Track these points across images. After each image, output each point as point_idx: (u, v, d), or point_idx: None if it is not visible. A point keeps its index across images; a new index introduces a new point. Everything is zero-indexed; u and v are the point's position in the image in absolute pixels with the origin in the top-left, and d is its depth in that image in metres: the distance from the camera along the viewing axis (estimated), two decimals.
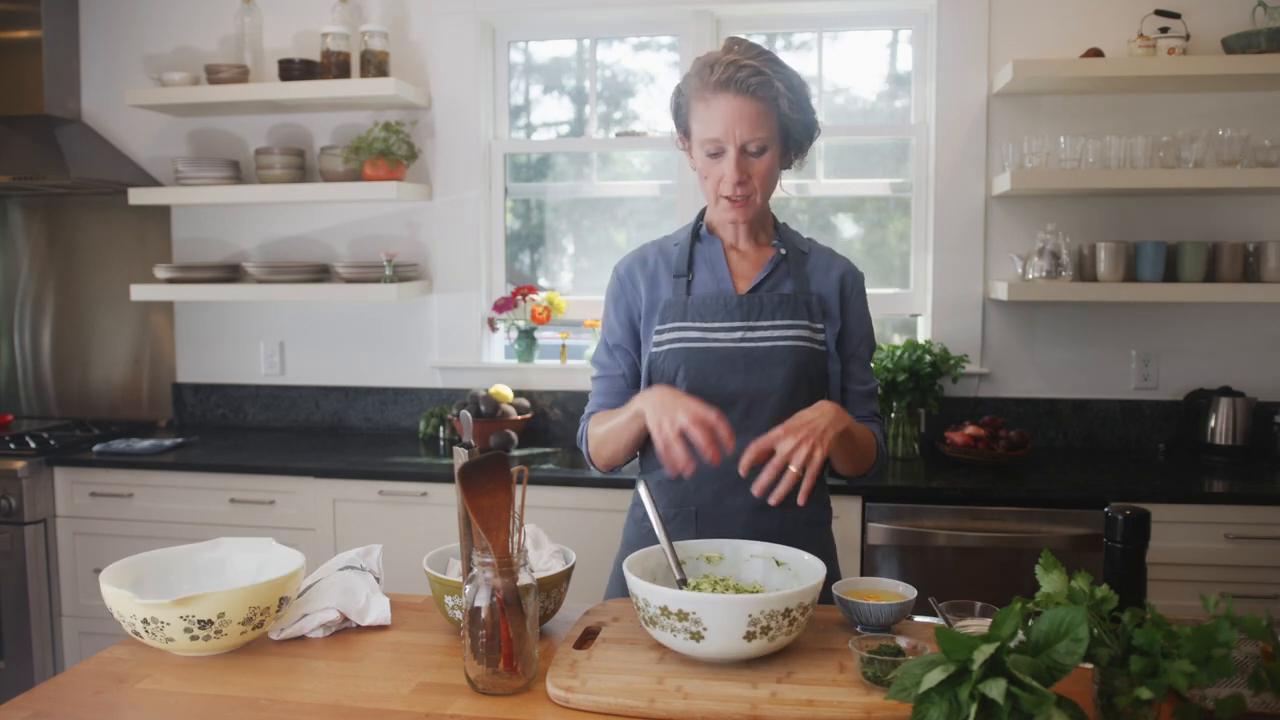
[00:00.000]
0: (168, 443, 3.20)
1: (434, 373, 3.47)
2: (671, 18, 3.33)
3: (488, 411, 3.16)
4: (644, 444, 1.67)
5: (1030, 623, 1.03)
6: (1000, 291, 3.00)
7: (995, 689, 0.95)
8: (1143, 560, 1.33)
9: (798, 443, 1.46)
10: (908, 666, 1.03)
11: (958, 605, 1.37)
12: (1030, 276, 2.99)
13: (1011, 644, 1.02)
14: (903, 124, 3.35)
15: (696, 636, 1.24)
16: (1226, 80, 2.86)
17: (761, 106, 1.57)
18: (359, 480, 2.91)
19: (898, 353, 3.02)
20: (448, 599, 1.42)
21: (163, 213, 3.57)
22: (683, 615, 1.24)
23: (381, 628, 1.49)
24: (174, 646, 1.35)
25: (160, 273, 3.34)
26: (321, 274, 3.38)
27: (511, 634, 1.24)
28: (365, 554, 1.61)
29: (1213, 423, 2.97)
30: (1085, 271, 3.04)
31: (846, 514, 2.64)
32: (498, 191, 3.49)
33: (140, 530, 3.01)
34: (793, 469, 1.45)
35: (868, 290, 1.79)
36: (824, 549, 1.72)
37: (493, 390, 3.27)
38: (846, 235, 3.46)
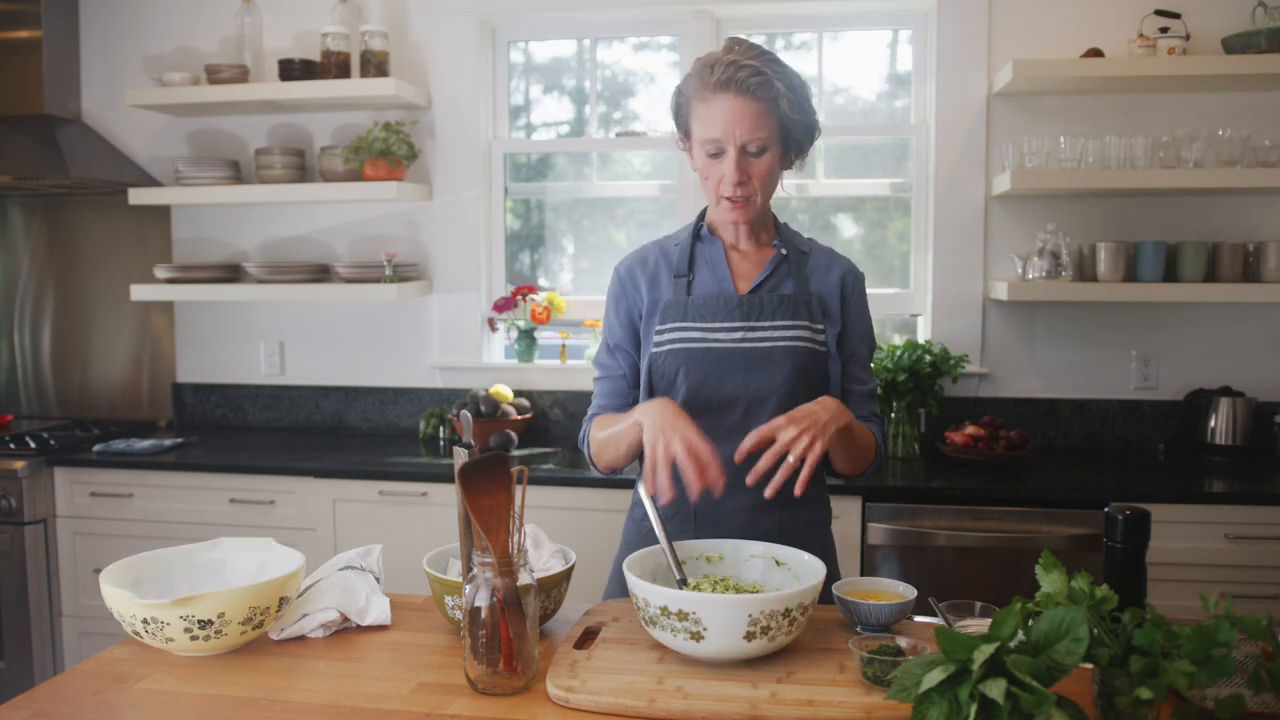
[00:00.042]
0: (168, 443, 3.20)
1: (434, 373, 3.47)
2: (671, 18, 3.33)
3: (488, 411, 3.16)
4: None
5: (1030, 623, 1.03)
6: (1000, 291, 3.00)
7: (995, 689, 0.95)
8: (1143, 560, 1.33)
9: (799, 432, 1.46)
10: (908, 666, 1.03)
11: (958, 605, 1.37)
12: (1030, 276, 2.99)
13: (1011, 644, 1.02)
14: (903, 124, 3.35)
15: (696, 636, 1.24)
16: (1226, 80, 2.86)
17: (762, 107, 1.57)
18: (359, 480, 2.91)
19: (898, 353, 3.02)
20: (448, 599, 1.42)
21: (163, 213, 3.57)
22: (683, 615, 1.24)
23: (381, 628, 1.49)
24: (174, 646, 1.35)
25: (160, 273, 3.34)
26: (321, 274, 3.38)
27: (511, 634, 1.24)
28: (365, 554, 1.61)
29: (1213, 423, 2.97)
30: (1085, 271, 3.04)
31: (846, 514, 2.64)
32: (498, 191, 3.49)
33: (140, 530, 3.01)
34: (790, 459, 1.45)
35: (868, 290, 1.79)
36: (824, 549, 1.72)
37: (493, 390, 3.27)
38: (846, 235, 3.46)
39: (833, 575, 1.63)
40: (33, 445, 3.12)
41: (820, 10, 3.29)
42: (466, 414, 1.50)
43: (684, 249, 1.74)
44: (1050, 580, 1.13)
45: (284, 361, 3.57)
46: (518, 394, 3.36)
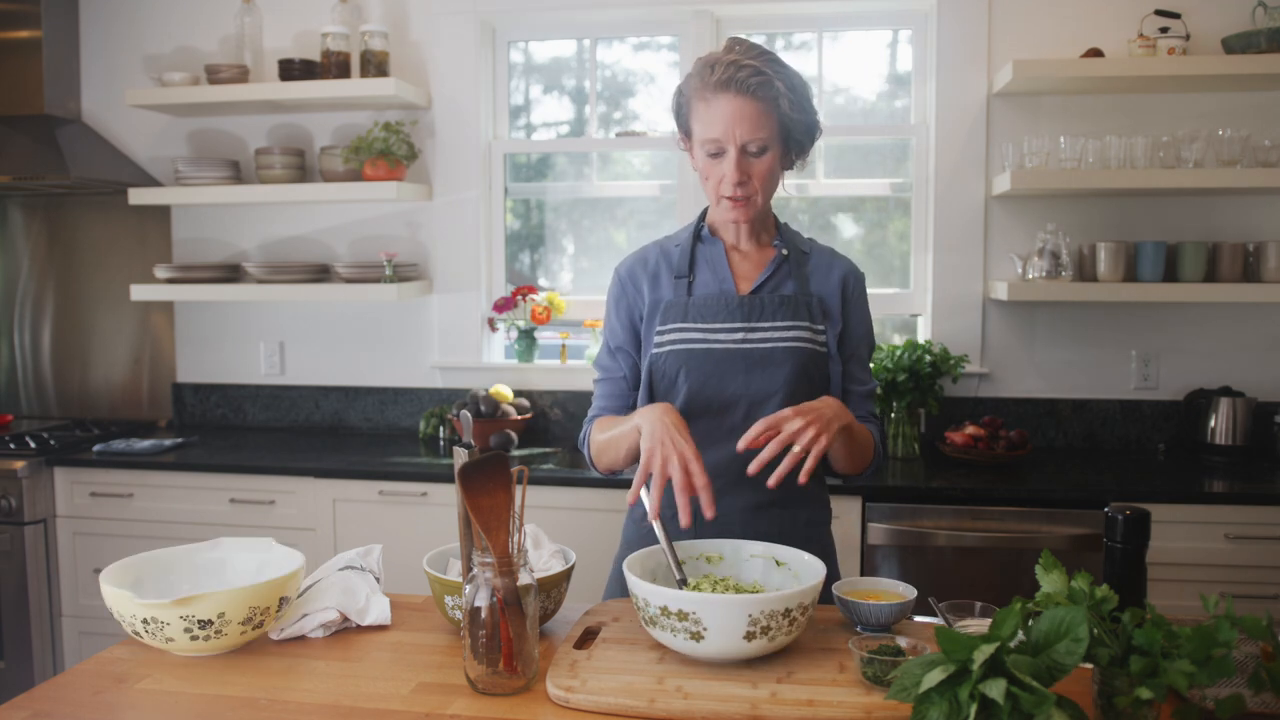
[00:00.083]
0: (168, 443, 3.20)
1: (434, 373, 3.47)
2: (671, 18, 3.33)
3: (488, 411, 3.16)
4: None
5: (1030, 623, 1.03)
6: (1000, 291, 3.00)
7: (995, 689, 0.95)
8: (1143, 560, 1.33)
9: (805, 424, 1.46)
10: (908, 666, 1.03)
11: (958, 605, 1.37)
12: (1030, 276, 2.99)
13: (1011, 644, 1.02)
14: (903, 124, 3.35)
15: (696, 636, 1.24)
16: (1226, 80, 2.86)
17: (762, 106, 1.57)
18: (359, 480, 2.91)
19: (898, 353, 3.02)
20: (448, 599, 1.42)
21: (163, 213, 3.57)
22: (683, 615, 1.24)
23: (381, 628, 1.49)
24: (174, 646, 1.35)
25: (160, 273, 3.34)
26: (321, 274, 3.38)
27: (511, 634, 1.24)
28: (365, 554, 1.61)
29: (1213, 423, 2.97)
30: (1085, 271, 3.04)
31: (846, 514, 2.64)
32: (498, 191, 3.49)
33: (140, 530, 3.01)
34: (796, 448, 1.45)
35: (868, 290, 1.79)
36: (824, 549, 1.72)
37: (493, 390, 3.27)
38: (846, 235, 3.46)
39: (833, 575, 1.63)
40: (33, 445, 3.12)
41: (820, 10, 3.29)
42: (466, 414, 1.50)
43: (684, 249, 1.74)
44: (1050, 580, 1.13)
45: (284, 361, 3.57)
46: (518, 394, 3.36)
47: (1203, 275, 2.92)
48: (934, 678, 0.98)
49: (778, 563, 1.45)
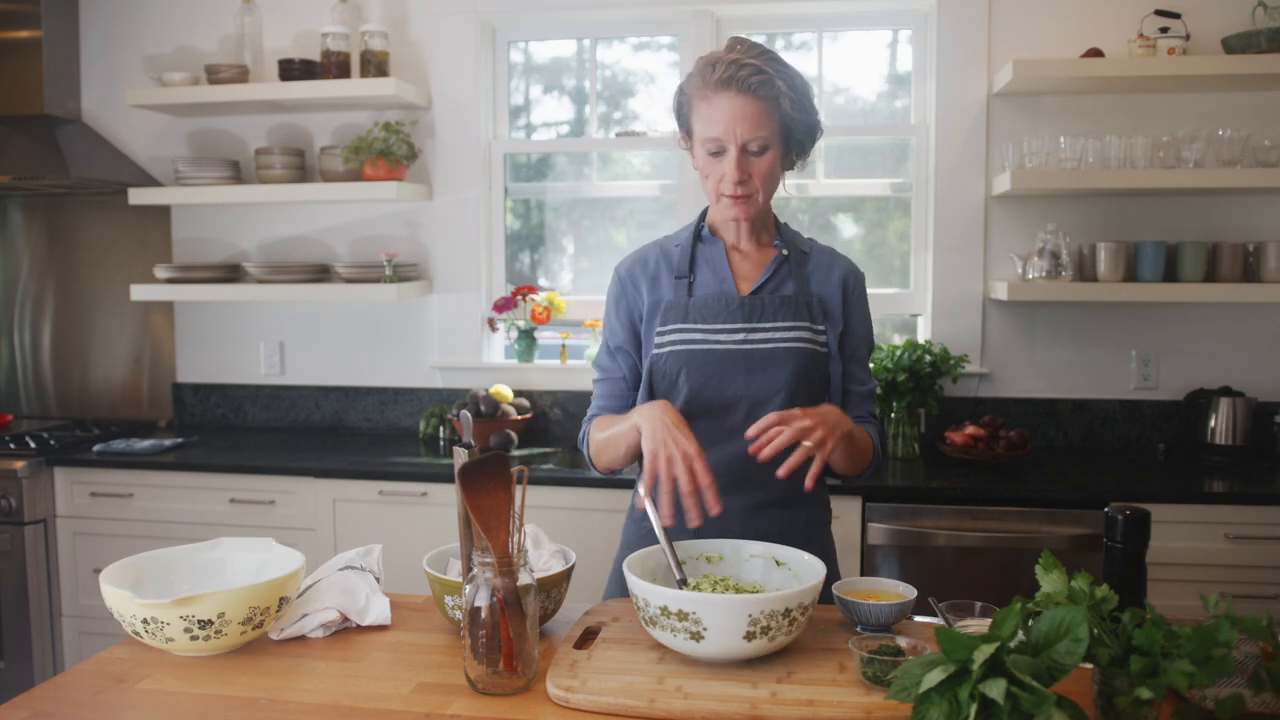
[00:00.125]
0: (168, 443, 3.20)
1: (434, 373, 3.47)
2: (671, 18, 3.33)
3: (488, 411, 3.16)
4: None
5: (1030, 623, 1.03)
6: (1000, 291, 3.00)
7: (995, 689, 0.95)
8: (1143, 560, 1.33)
9: (814, 424, 1.46)
10: (908, 666, 1.03)
11: (958, 605, 1.37)
12: (1030, 276, 2.99)
13: (1011, 644, 1.02)
14: (903, 124, 3.35)
15: (696, 636, 1.24)
16: (1226, 80, 2.86)
17: (763, 106, 1.57)
18: (359, 480, 2.91)
19: (898, 353, 3.02)
20: (448, 599, 1.42)
21: (163, 213, 3.57)
22: (683, 615, 1.24)
23: (381, 628, 1.49)
24: (174, 646, 1.35)
25: (160, 273, 3.34)
26: (321, 274, 3.38)
27: (511, 634, 1.24)
28: (365, 554, 1.61)
29: (1213, 423, 2.97)
30: (1085, 271, 3.04)
31: (846, 514, 2.64)
32: (498, 191, 3.49)
33: (140, 530, 3.01)
34: (807, 444, 1.45)
35: (868, 290, 1.79)
36: (824, 549, 1.72)
37: (493, 390, 3.27)
38: (846, 235, 3.46)
39: (833, 575, 1.63)
40: (33, 445, 3.12)
41: (820, 10, 3.29)
42: (466, 414, 1.50)
43: (685, 249, 1.74)
44: (1050, 580, 1.13)
45: (284, 361, 3.57)
46: (518, 394, 3.36)
47: (1203, 275, 2.92)
48: (934, 678, 0.98)
49: (778, 563, 1.45)
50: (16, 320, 3.72)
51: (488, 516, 1.27)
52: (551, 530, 1.84)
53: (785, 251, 1.72)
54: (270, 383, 3.58)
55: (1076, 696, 1.08)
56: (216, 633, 1.33)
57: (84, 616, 3.08)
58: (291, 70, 3.24)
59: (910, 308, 3.33)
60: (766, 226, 1.75)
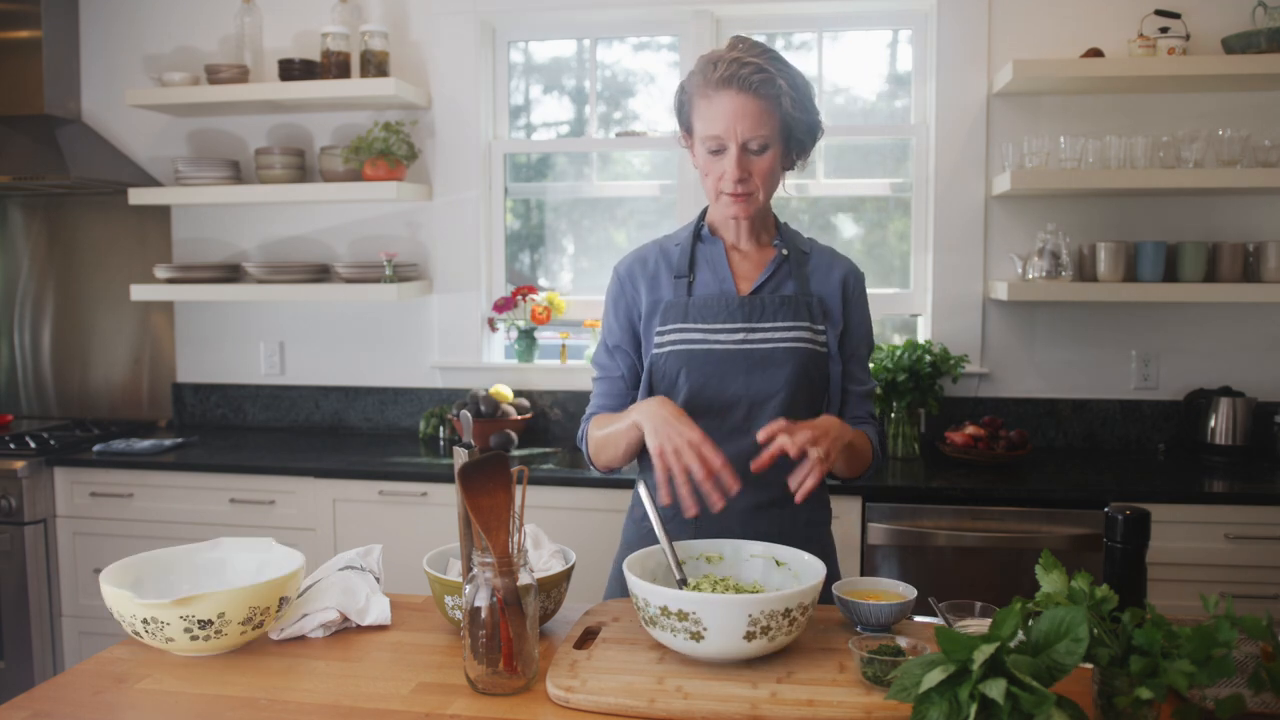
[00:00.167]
0: (168, 443, 3.20)
1: (434, 373, 3.47)
2: (671, 18, 3.33)
3: (488, 411, 3.16)
4: (642, 449, 1.67)
5: (1030, 623, 1.03)
6: (1000, 291, 3.00)
7: (995, 689, 0.95)
8: (1143, 560, 1.33)
9: (816, 437, 1.47)
10: (908, 666, 1.03)
11: (958, 605, 1.37)
12: (1030, 276, 2.99)
13: (1011, 644, 1.02)
14: (903, 124, 3.35)
15: (696, 636, 1.24)
16: (1226, 80, 2.86)
17: (764, 104, 1.57)
18: (359, 480, 2.91)
19: (898, 353, 3.02)
20: (448, 599, 1.42)
21: (163, 213, 3.57)
22: (683, 615, 1.24)
23: (381, 628, 1.49)
24: (174, 646, 1.35)
25: (160, 273, 3.34)
26: (321, 274, 3.38)
27: (511, 634, 1.24)
28: (365, 554, 1.61)
29: (1213, 423, 2.97)
30: (1085, 271, 3.04)
31: (846, 514, 2.64)
32: (498, 191, 3.49)
33: (140, 530, 3.01)
34: (815, 454, 1.46)
35: (868, 290, 1.79)
36: (824, 549, 1.72)
37: (493, 390, 3.27)
38: (846, 235, 3.46)
39: (833, 575, 1.63)
40: (33, 445, 3.12)
41: (820, 10, 3.29)
42: (466, 414, 1.50)
43: (684, 249, 1.74)
44: (1050, 580, 1.13)
45: (284, 361, 3.57)
46: (518, 394, 3.36)
47: (1203, 275, 2.92)
48: (934, 678, 0.98)
49: (778, 563, 1.45)
50: (16, 320, 3.72)
51: (488, 516, 1.27)
52: (551, 530, 1.84)
53: (785, 251, 1.72)
54: (270, 383, 3.58)
55: (1076, 696, 1.08)
56: (216, 633, 1.33)
57: (84, 616, 3.08)
58: (291, 70, 3.24)
59: (910, 308, 3.33)
60: (766, 226, 1.75)
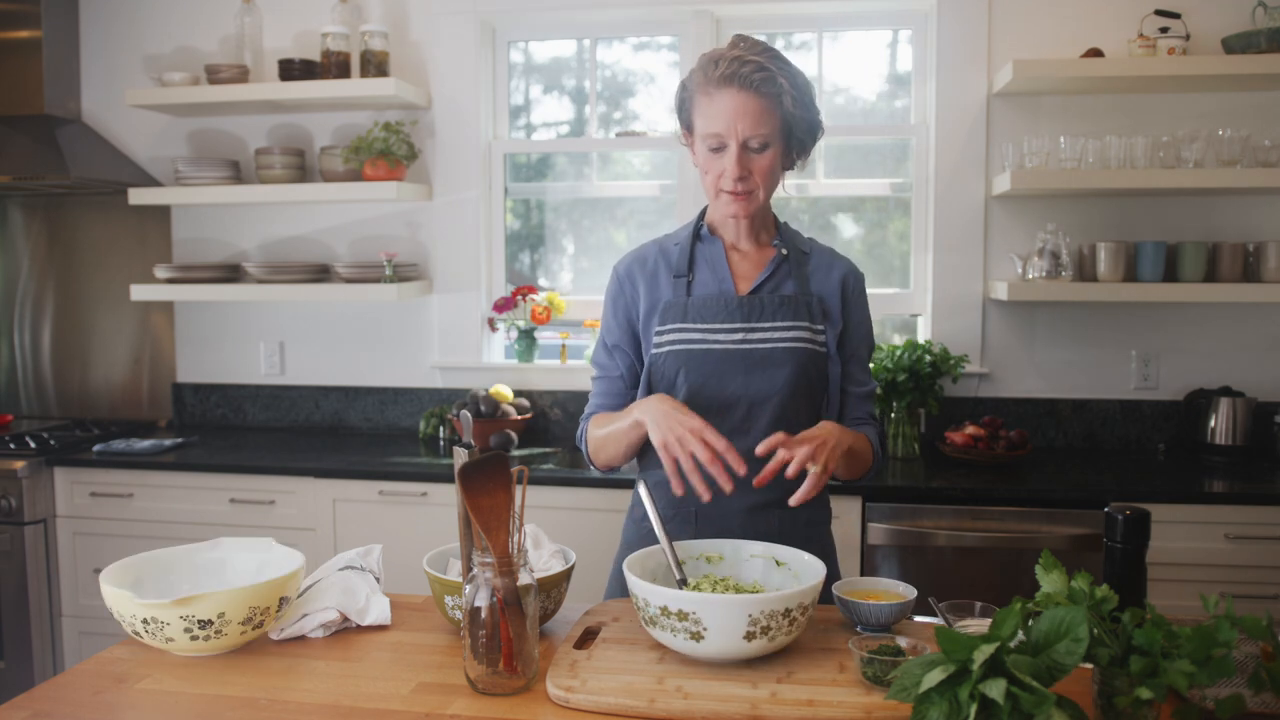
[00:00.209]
0: (168, 443, 3.20)
1: (434, 373, 3.47)
2: (671, 18, 3.33)
3: (488, 411, 3.16)
4: (643, 447, 1.67)
5: (1030, 623, 1.03)
6: (1000, 291, 3.00)
7: (995, 689, 0.95)
8: (1143, 560, 1.33)
9: (814, 449, 1.48)
10: (908, 666, 1.03)
11: (958, 605, 1.37)
12: (1030, 276, 2.99)
13: (1011, 644, 1.02)
14: (903, 124, 3.35)
15: (696, 636, 1.24)
16: (1226, 80, 2.86)
17: (764, 103, 1.57)
18: (359, 480, 2.91)
19: (898, 353, 3.02)
20: (448, 599, 1.42)
21: (163, 213, 3.57)
22: (683, 615, 1.24)
23: (381, 628, 1.49)
24: (174, 646, 1.35)
25: (160, 273, 3.34)
26: (321, 274, 3.38)
27: (511, 634, 1.24)
28: (365, 554, 1.61)
29: (1213, 423, 2.97)
30: (1085, 271, 3.04)
31: (846, 514, 2.64)
32: (498, 191, 3.49)
33: (140, 530, 3.01)
34: (815, 468, 1.46)
35: (868, 290, 1.79)
36: (824, 549, 1.72)
37: (493, 390, 3.27)
38: (846, 235, 3.46)
39: (833, 575, 1.63)
40: (33, 445, 3.11)
41: (820, 10, 3.29)
42: (466, 414, 1.50)
43: (684, 249, 1.74)
44: (1050, 580, 1.13)
45: (284, 361, 3.57)
46: (518, 394, 3.36)
47: (1203, 275, 2.92)
48: (934, 678, 0.98)
49: (778, 563, 1.45)
50: (16, 320, 3.72)
51: (488, 516, 1.27)
52: (551, 530, 1.84)
53: (785, 251, 1.72)
54: (270, 383, 3.58)
55: (1076, 696, 1.08)
56: (216, 633, 1.33)
57: (84, 616, 3.08)
58: (291, 70, 3.24)
59: (910, 308, 3.33)
60: (766, 226, 1.75)
